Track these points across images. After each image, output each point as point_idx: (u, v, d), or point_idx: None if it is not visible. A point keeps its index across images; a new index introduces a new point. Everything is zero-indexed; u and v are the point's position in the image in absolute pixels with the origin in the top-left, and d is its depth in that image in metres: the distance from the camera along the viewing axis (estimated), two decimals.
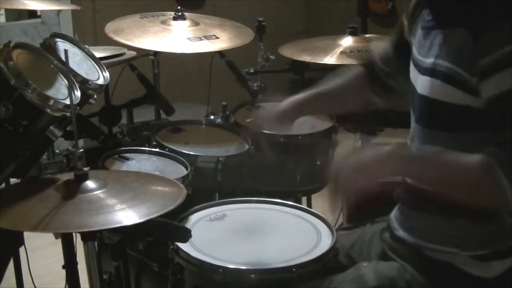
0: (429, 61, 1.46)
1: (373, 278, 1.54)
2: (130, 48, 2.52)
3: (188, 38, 2.40)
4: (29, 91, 1.54)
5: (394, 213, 1.65)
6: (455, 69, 1.38)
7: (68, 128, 1.81)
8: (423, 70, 1.48)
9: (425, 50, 1.49)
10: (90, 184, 1.52)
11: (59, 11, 4.23)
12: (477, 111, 1.36)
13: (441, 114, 1.45)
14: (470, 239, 1.46)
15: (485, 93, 1.33)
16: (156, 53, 2.53)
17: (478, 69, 1.33)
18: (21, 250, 2.10)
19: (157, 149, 2.17)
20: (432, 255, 1.50)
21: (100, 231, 1.71)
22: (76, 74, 1.79)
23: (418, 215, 1.54)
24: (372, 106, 1.81)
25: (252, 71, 2.71)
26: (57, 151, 1.87)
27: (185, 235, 1.62)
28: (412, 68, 1.57)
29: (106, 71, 1.99)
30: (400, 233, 1.59)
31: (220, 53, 2.57)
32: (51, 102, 1.59)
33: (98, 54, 2.13)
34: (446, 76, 1.41)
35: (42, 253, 2.97)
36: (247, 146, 2.27)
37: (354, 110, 1.92)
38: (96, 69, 1.97)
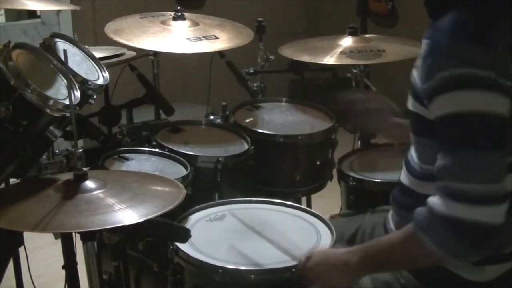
0: (412, 71, 1.47)
1: (369, 282, 1.55)
2: (130, 48, 2.52)
3: (188, 38, 2.40)
4: (29, 91, 1.55)
5: (390, 213, 1.65)
6: (417, 84, 1.40)
7: (68, 128, 1.81)
8: (411, 81, 1.49)
9: (417, 59, 1.50)
10: (89, 184, 1.52)
11: (59, 11, 4.23)
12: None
13: (417, 126, 1.48)
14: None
15: (433, 115, 1.36)
16: (156, 53, 2.53)
17: (425, 92, 1.36)
18: (21, 250, 2.10)
19: (157, 149, 2.17)
20: None
21: (100, 231, 1.70)
22: (75, 74, 1.79)
23: (411, 217, 1.54)
24: None
25: (252, 71, 2.71)
26: (56, 151, 1.87)
27: (185, 235, 1.62)
28: None
29: (106, 71, 1.99)
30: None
31: (220, 53, 2.57)
32: (51, 102, 1.59)
33: (98, 54, 2.13)
34: (413, 89, 1.43)
35: (42, 253, 2.97)
36: (247, 146, 2.27)
37: None
38: (96, 69, 1.97)
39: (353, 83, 2.66)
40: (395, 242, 1.42)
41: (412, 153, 1.54)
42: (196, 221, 1.85)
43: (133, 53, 2.61)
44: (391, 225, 1.62)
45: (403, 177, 1.58)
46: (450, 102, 1.31)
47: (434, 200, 1.34)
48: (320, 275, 1.50)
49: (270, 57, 2.74)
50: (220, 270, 1.59)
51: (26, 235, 1.94)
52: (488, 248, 1.34)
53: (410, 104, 1.47)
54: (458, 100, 1.30)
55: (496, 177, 1.29)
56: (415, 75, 1.42)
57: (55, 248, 2.16)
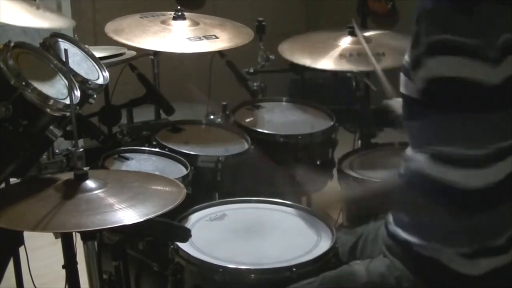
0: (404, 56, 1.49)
1: (365, 275, 1.55)
2: (130, 48, 2.52)
3: (188, 38, 2.40)
4: (29, 90, 1.55)
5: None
6: (408, 61, 1.42)
7: (68, 128, 1.81)
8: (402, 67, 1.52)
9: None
10: (90, 183, 1.52)
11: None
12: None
13: (407, 109, 1.50)
14: (450, 235, 1.46)
15: (416, 86, 1.39)
16: (156, 53, 2.53)
17: (410, 62, 1.39)
18: (21, 250, 2.10)
19: (157, 149, 2.17)
20: (420, 251, 1.51)
21: (100, 231, 1.70)
22: (76, 74, 1.79)
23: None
24: None
25: (252, 71, 2.70)
26: (57, 151, 1.87)
27: (185, 235, 1.62)
28: None
29: (106, 71, 1.99)
30: (393, 227, 1.59)
31: (220, 53, 2.57)
32: (51, 102, 1.59)
33: (98, 54, 2.12)
34: (405, 69, 1.45)
35: (42, 253, 2.96)
36: (247, 146, 2.27)
37: None
38: (96, 69, 1.97)
39: (353, 83, 2.65)
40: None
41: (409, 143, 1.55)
42: (196, 220, 1.85)
43: (133, 53, 2.61)
44: (390, 218, 1.62)
45: (402, 168, 1.59)
46: (436, 66, 1.34)
47: (418, 158, 1.41)
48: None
49: (270, 56, 2.74)
50: (221, 270, 1.59)
51: (26, 234, 1.94)
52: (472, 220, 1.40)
53: (402, 86, 1.49)
54: (444, 65, 1.34)
55: (479, 142, 1.35)
56: (406, 56, 1.45)
57: (55, 248, 2.15)
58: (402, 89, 1.49)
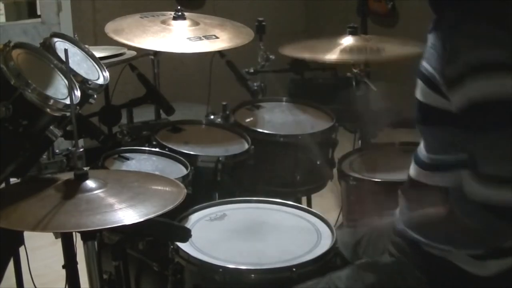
0: (422, 63, 1.47)
1: (371, 275, 1.55)
2: (130, 48, 2.52)
3: (188, 38, 2.40)
4: (29, 90, 1.54)
5: (399, 211, 1.65)
6: (433, 73, 1.39)
7: (68, 128, 1.81)
8: (419, 73, 1.49)
9: (424, 52, 1.49)
10: (90, 183, 1.52)
11: (59, 10, 4.24)
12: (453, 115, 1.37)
13: (427, 116, 1.46)
14: (463, 238, 1.46)
15: (454, 103, 1.35)
16: (156, 53, 2.53)
17: (445, 78, 1.35)
18: (21, 250, 2.10)
19: (157, 149, 2.17)
20: (430, 250, 1.50)
21: (100, 231, 1.70)
22: (76, 74, 1.79)
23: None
24: None
25: (252, 71, 2.71)
26: (57, 151, 1.87)
27: (185, 235, 1.62)
28: None
29: (106, 71, 1.99)
30: (402, 226, 1.59)
31: (220, 53, 2.57)
32: (51, 101, 1.59)
33: (98, 54, 2.12)
34: (427, 79, 1.42)
35: (42, 253, 2.96)
36: (247, 146, 2.27)
37: None
38: (96, 69, 1.97)
39: (354, 83, 2.66)
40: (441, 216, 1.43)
41: (421, 145, 1.54)
42: (196, 220, 1.85)
43: (133, 53, 2.61)
44: (400, 221, 1.61)
45: (412, 171, 1.58)
46: (475, 87, 1.30)
47: (468, 189, 1.35)
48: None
49: (270, 56, 2.74)
50: (221, 270, 1.59)
51: (26, 234, 1.94)
52: None
53: (421, 94, 1.45)
54: (493, 85, 1.29)
55: None
56: (425, 64, 1.42)
57: (55, 247, 2.16)
58: (420, 97, 1.46)
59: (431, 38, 1.43)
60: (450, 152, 1.42)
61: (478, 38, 1.31)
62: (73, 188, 1.50)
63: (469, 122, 1.33)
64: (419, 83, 1.46)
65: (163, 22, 2.49)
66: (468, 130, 1.35)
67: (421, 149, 1.54)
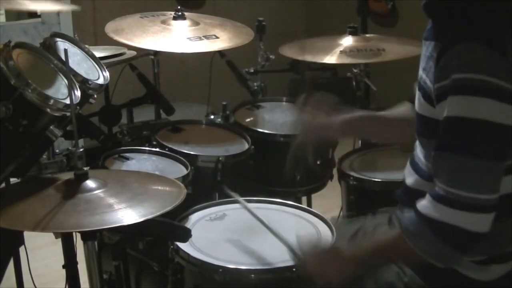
0: (419, 73, 1.46)
1: (371, 282, 1.54)
2: (130, 47, 2.52)
3: (188, 38, 2.40)
4: (29, 90, 1.54)
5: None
6: (430, 86, 1.39)
7: (68, 128, 1.81)
8: (418, 84, 1.48)
9: (420, 61, 1.48)
10: (90, 183, 1.52)
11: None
12: None
13: (424, 127, 1.46)
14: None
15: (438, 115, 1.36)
16: (156, 53, 2.53)
17: (435, 92, 1.35)
18: (21, 249, 2.10)
19: (157, 149, 2.17)
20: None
21: (100, 231, 1.71)
22: (76, 74, 1.79)
23: None
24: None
25: (252, 71, 2.71)
26: (57, 150, 1.87)
27: (185, 235, 1.62)
28: None
29: (106, 70, 1.99)
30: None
31: (220, 53, 2.57)
32: (51, 101, 1.59)
33: (98, 53, 2.12)
34: (424, 91, 1.42)
35: (42, 252, 2.97)
36: (247, 146, 2.27)
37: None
38: (96, 68, 1.97)
39: (353, 83, 2.66)
40: (386, 244, 1.45)
41: (419, 154, 1.53)
42: (197, 220, 1.85)
43: (134, 53, 2.61)
44: (396, 223, 1.61)
45: (410, 179, 1.57)
46: (458, 105, 1.30)
47: (423, 203, 1.37)
48: (318, 270, 1.51)
49: (271, 56, 2.74)
50: (221, 270, 1.59)
51: (26, 234, 1.94)
52: (476, 253, 1.38)
53: (418, 106, 1.46)
54: (466, 105, 1.29)
55: (490, 188, 1.31)
56: (424, 76, 1.42)
57: (56, 247, 2.16)
58: (417, 108, 1.47)
59: (429, 47, 1.41)
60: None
61: (469, 60, 1.30)
62: (73, 188, 1.50)
63: (444, 133, 1.34)
64: (418, 94, 1.46)
65: (163, 22, 2.49)
66: (441, 143, 1.36)
67: (420, 158, 1.53)
